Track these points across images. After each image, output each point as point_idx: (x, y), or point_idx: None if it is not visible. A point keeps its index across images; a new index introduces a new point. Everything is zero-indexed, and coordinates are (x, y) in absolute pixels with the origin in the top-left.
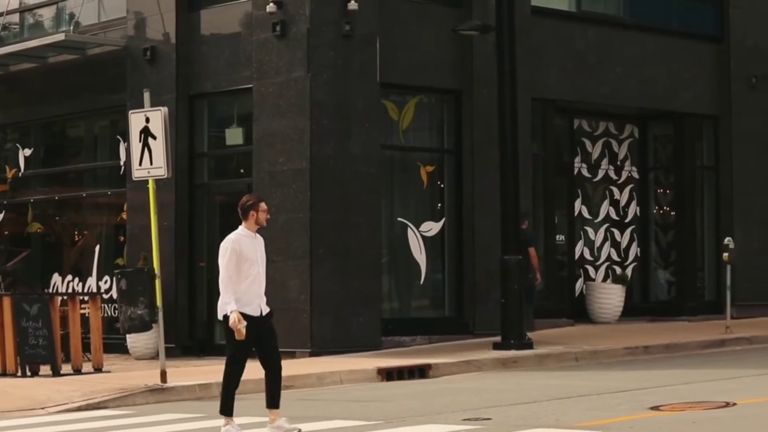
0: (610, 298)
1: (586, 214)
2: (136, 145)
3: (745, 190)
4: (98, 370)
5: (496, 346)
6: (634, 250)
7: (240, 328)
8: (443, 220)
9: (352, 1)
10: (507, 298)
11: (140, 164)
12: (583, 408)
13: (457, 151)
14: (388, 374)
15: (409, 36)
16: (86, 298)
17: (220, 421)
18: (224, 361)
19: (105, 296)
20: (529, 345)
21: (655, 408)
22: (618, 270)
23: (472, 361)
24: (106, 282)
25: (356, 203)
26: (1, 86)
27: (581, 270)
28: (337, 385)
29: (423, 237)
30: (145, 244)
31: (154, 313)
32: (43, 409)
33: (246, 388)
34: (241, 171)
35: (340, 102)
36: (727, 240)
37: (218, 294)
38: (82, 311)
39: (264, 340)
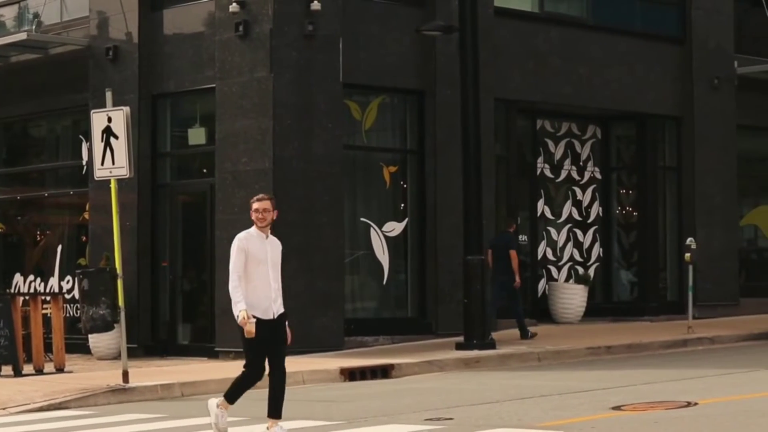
0: (572, 298)
1: (548, 215)
2: (98, 145)
3: (706, 191)
4: (60, 370)
5: (459, 347)
6: (596, 251)
7: (249, 327)
8: (406, 220)
9: (315, 2)
10: (469, 299)
11: (102, 164)
12: (545, 408)
13: (420, 152)
14: (351, 374)
15: (373, 36)
16: (48, 298)
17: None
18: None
19: (67, 296)
20: (491, 345)
21: (617, 408)
22: (580, 270)
23: (435, 361)
24: (68, 282)
25: (319, 203)
26: None
27: (544, 270)
28: (299, 385)
29: (386, 237)
30: (108, 244)
31: (116, 314)
32: (4, 409)
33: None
34: (204, 171)
35: (302, 102)
36: (689, 240)
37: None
38: (44, 311)
39: (273, 346)
